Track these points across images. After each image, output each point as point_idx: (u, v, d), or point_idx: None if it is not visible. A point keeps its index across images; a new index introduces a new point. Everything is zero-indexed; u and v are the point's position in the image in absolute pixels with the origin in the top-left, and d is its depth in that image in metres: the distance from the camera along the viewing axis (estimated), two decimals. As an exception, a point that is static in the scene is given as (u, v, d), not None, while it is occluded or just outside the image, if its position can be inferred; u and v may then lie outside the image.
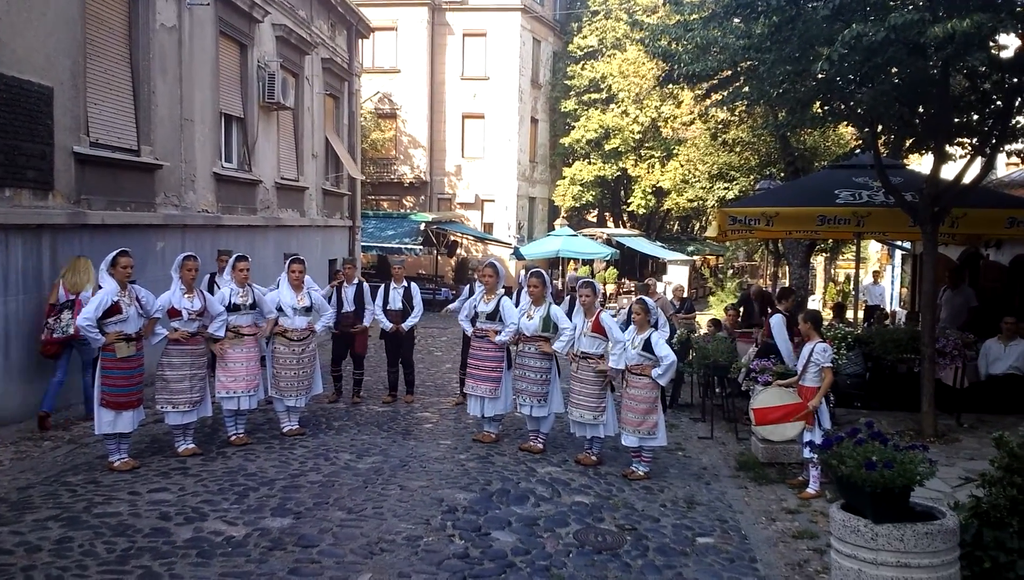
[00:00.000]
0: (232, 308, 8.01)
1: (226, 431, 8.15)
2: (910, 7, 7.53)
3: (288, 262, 8.71)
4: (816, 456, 6.01)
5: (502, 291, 8.68)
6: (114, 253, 7.19)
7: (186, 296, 7.59)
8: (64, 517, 5.89)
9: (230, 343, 7.98)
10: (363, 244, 22.43)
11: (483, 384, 8.30)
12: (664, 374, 7.36)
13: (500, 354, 8.40)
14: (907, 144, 10.77)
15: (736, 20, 8.66)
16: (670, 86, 25.11)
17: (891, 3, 8.12)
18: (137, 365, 7.19)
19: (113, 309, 6.98)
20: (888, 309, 18.20)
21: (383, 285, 10.68)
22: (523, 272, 10.03)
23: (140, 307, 7.19)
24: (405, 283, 10.57)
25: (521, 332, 8.22)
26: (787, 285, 15.37)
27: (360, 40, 21.02)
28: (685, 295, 15.55)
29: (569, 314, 8.21)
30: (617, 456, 8.24)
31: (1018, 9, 7.72)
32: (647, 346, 7.31)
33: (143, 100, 10.71)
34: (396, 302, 10.39)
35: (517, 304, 8.65)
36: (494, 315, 8.36)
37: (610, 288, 27.61)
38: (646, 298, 8.01)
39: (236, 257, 8.23)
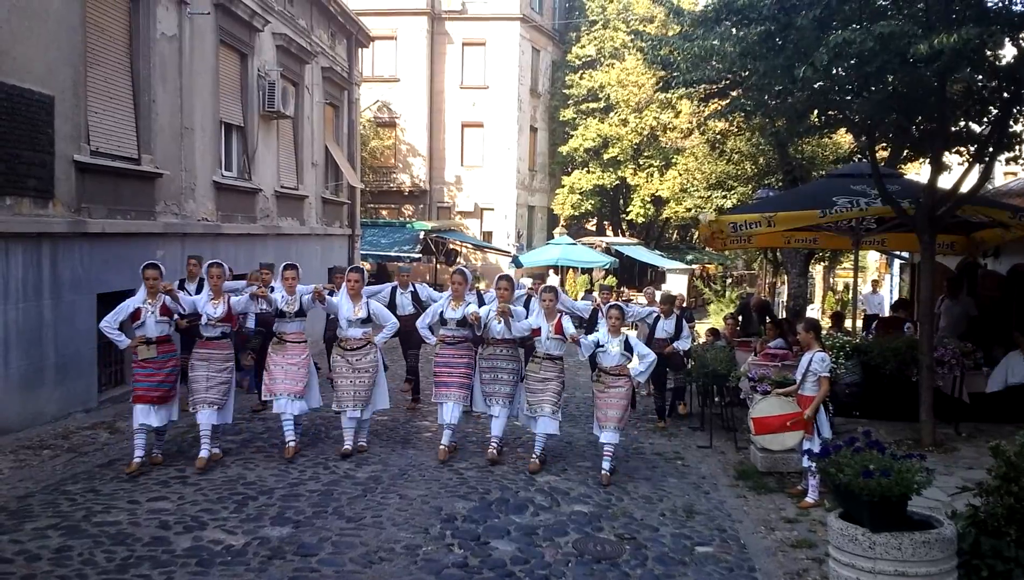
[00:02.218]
0: (278, 314, 8.13)
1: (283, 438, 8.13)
2: (902, 16, 7.55)
3: (347, 271, 8.64)
4: (815, 465, 6.04)
5: (469, 298, 8.68)
6: (143, 265, 7.61)
7: (211, 302, 7.76)
8: (63, 526, 5.88)
9: (273, 348, 8.09)
10: (362, 252, 22.47)
11: (458, 390, 8.20)
12: (645, 371, 7.83)
13: (471, 361, 8.33)
14: (904, 153, 10.81)
15: (729, 26, 8.67)
16: (668, 95, 25.25)
17: (888, 8, 8.15)
18: (159, 366, 7.46)
19: (135, 315, 7.43)
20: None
21: (391, 288, 10.48)
22: (529, 280, 10.09)
23: (160, 314, 7.47)
24: (412, 287, 10.44)
25: (491, 335, 8.17)
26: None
27: (360, 49, 21.09)
28: (684, 304, 15.57)
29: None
30: (615, 465, 8.24)
31: (1015, 19, 7.76)
32: (627, 346, 7.72)
33: (143, 109, 10.75)
34: (406, 307, 10.22)
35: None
36: (464, 322, 8.25)
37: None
38: (621, 304, 8.52)
39: (284, 266, 8.29)
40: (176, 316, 7.64)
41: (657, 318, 10.38)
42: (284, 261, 15.60)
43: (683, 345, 10.02)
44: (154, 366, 7.46)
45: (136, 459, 7.33)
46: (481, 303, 8.77)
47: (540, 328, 7.94)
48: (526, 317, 8.25)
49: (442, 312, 8.40)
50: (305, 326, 8.29)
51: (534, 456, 7.97)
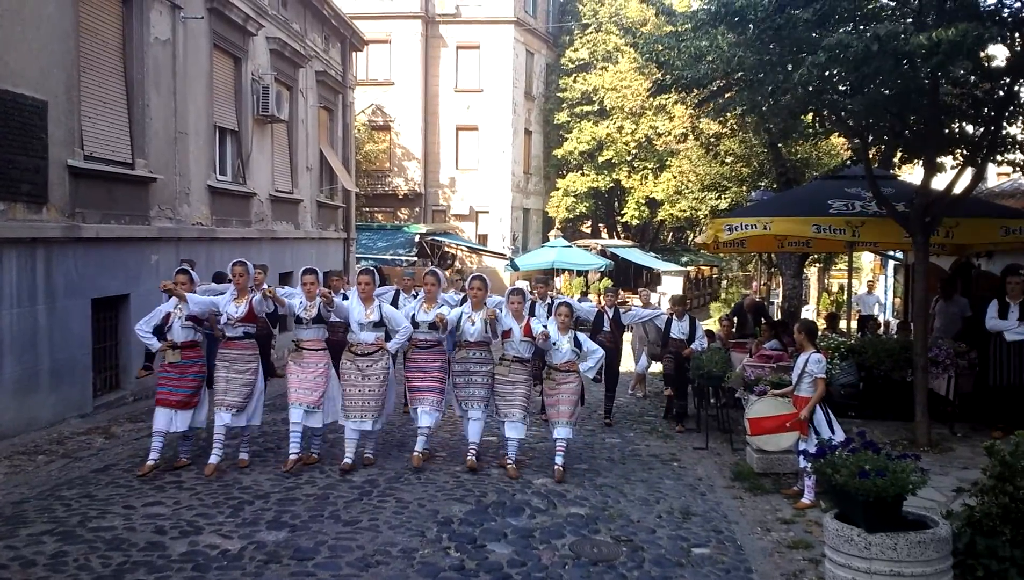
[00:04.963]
0: (296, 320, 7.94)
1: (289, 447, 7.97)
2: (896, 16, 7.61)
3: (358, 273, 8.43)
4: (810, 465, 6.06)
5: (454, 301, 8.60)
6: (176, 270, 7.82)
7: (235, 301, 7.72)
8: (59, 531, 5.87)
9: (291, 357, 7.94)
10: (358, 256, 22.46)
11: (430, 395, 7.99)
12: (593, 367, 7.96)
13: (445, 365, 8.14)
14: (898, 155, 10.83)
15: (726, 29, 8.69)
16: (663, 98, 25.30)
17: (880, 12, 8.20)
18: (182, 371, 7.53)
19: (166, 319, 7.60)
20: (882, 319, 18.27)
21: (394, 292, 10.32)
22: (525, 284, 10.08)
23: (186, 320, 7.54)
24: (414, 293, 10.22)
25: (464, 338, 8.03)
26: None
27: (354, 53, 21.10)
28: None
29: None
30: (612, 467, 8.26)
31: (1003, 17, 7.81)
32: (576, 343, 7.85)
33: (137, 113, 10.73)
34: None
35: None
36: (436, 325, 7.97)
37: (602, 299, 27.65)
38: (571, 302, 8.71)
39: (304, 270, 8.05)
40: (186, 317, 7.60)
41: (670, 320, 10.41)
42: (279, 265, 15.64)
43: (700, 345, 10.04)
44: (177, 371, 7.54)
45: (150, 461, 7.41)
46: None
47: (511, 330, 7.92)
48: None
49: (414, 314, 8.12)
50: (324, 333, 8.01)
51: (509, 462, 7.84)
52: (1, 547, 5.55)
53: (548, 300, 10.21)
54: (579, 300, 11.79)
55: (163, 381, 7.57)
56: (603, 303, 10.84)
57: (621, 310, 10.96)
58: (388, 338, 8.08)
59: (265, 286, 8.05)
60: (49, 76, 8.93)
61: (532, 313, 8.93)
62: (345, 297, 9.51)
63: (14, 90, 8.37)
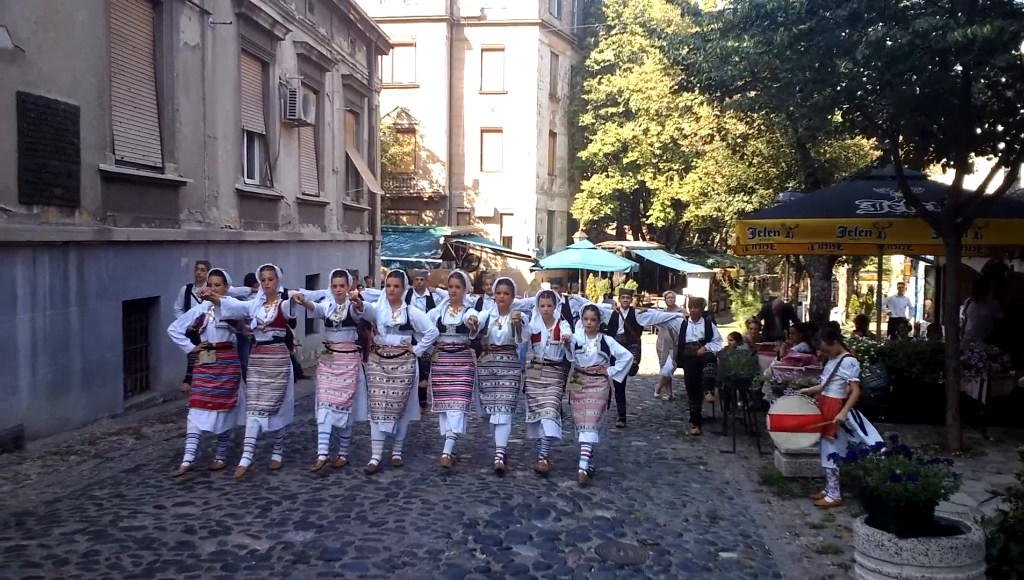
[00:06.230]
0: (326, 323, 8.00)
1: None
2: (933, 13, 7.53)
3: (387, 276, 8.45)
4: (834, 466, 6.02)
5: (469, 302, 8.50)
6: (210, 272, 7.87)
7: (264, 306, 7.77)
8: (91, 531, 5.95)
9: (321, 358, 8.00)
10: (383, 258, 22.58)
11: (460, 399, 7.98)
12: (622, 371, 7.95)
13: (473, 368, 8.10)
14: (929, 154, 10.70)
15: (757, 32, 8.62)
16: (688, 99, 25.12)
17: (909, 11, 8.11)
18: (217, 372, 7.62)
19: (199, 321, 7.65)
20: (912, 321, 18.04)
21: (406, 292, 10.46)
22: (547, 285, 10.02)
23: (220, 321, 7.61)
24: (427, 293, 10.33)
25: (491, 342, 8.01)
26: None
27: (379, 56, 21.21)
28: (706, 309, 15.44)
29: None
30: (638, 470, 8.23)
31: None
32: (604, 346, 7.80)
33: (167, 118, 10.87)
34: None
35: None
36: (464, 328, 7.97)
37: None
38: (597, 305, 8.63)
39: (334, 273, 8.10)
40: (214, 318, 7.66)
41: (685, 322, 10.36)
42: (305, 267, 15.75)
43: (715, 347, 10.03)
44: (212, 372, 7.61)
45: (185, 463, 7.47)
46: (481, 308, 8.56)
47: (540, 333, 7.90)
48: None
49: (440, 318, 8.10)
50: (354, 335, 8.05)
51: (541, 457, 7.94)
52: (34, 545, 5.64)
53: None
54: (602, 301, 11.77)
55: (199, 382, 7.64)
56: (618, 304, 10.80)
57: (637, 311, 10.91)
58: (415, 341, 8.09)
59: (292, 293, 8.05)
60: (81, 82, 9.07)
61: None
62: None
63: (47, 96, 8.50)
